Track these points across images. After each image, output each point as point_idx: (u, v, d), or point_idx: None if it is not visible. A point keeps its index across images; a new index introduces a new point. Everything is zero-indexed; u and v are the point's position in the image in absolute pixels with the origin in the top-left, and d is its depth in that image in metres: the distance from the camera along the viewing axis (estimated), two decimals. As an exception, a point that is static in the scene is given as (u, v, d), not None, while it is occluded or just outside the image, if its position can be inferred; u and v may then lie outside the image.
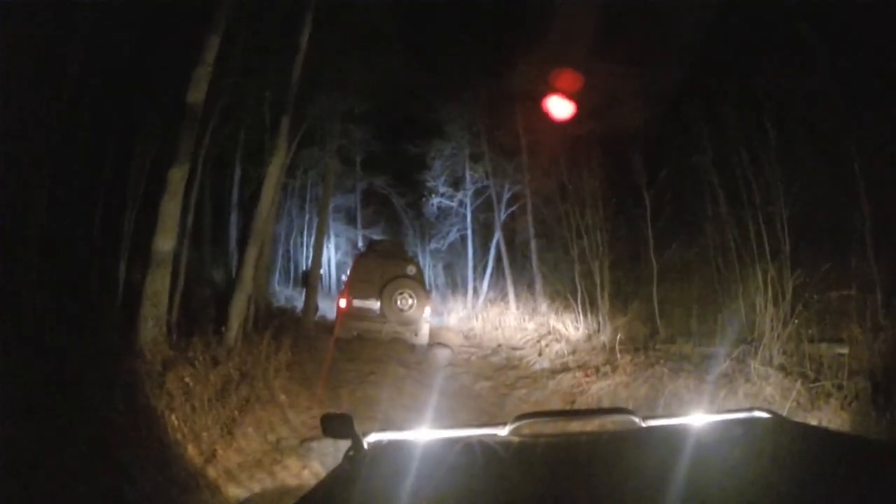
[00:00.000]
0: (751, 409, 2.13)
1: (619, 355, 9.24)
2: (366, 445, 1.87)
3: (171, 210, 7.19)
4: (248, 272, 9.39)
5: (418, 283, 12.17)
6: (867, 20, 8.17)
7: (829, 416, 5.90)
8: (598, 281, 11.47)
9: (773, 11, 9.19)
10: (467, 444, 1.77)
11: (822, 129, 9.02)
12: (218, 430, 6.14)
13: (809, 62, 8.81)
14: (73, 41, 7.39)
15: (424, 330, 12.06)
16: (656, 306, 10.31)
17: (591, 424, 2.46)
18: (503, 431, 1.93)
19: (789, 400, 6.16)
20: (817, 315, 7.66)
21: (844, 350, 6.93)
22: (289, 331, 11.12)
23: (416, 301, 11.81)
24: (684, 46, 9.71)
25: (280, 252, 25.02)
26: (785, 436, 1.94)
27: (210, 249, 14.76)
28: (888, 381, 6.08)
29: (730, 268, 9.68)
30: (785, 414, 5.89)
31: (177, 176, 7.22)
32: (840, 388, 6.23)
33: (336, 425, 1.97)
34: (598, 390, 8.63)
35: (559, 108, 9.46)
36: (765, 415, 2.08)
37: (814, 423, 5.91)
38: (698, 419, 2.11)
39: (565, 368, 10.36)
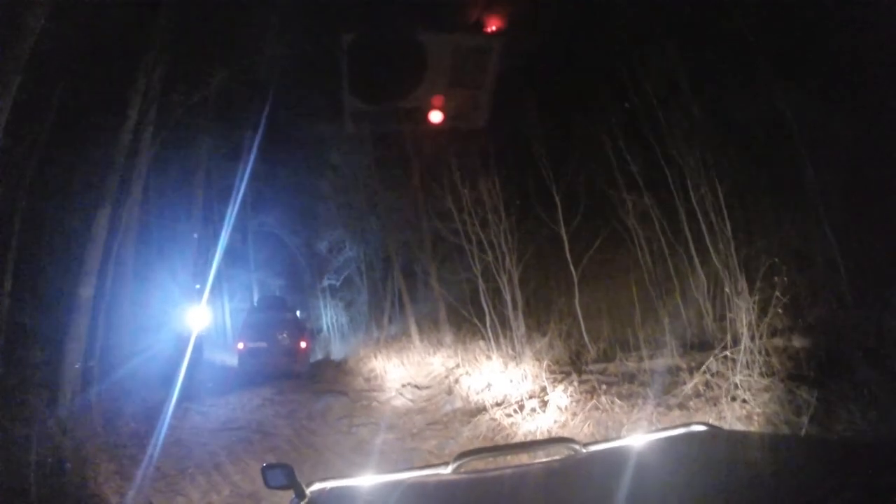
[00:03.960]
0: (688, 424, 2.05)
1: (548, 385, 7.02)
2: (308, 494, 1.77)
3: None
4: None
5: (294, 324, 14.83)
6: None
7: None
8: (508, 299, 9.26)
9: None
10: (410, 485, 1.74)
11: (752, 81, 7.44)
12: None
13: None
14: None
15: (302, 358, 14.27)
16: (581, 320, 8.20)
17: (534, 456, 2.22)
18: (446, 470, 1.85)
19: (804, 416, 4.13)
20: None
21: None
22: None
23: (291, 336, 14.14)
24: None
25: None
26: (721, 445, 1.91)
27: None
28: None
29: (662, 262, 7.81)
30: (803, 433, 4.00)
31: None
32: (857, 387, 4.29)
33: (277, 476, 1.82)
34: (527, 435, 6.37)
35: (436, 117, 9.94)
36: (702, 427, 2.03)
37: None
38: (638, 439, 2.02)
39: (481, 409, 8.06)
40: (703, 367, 5.23)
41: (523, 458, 2.32)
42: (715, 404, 4.86)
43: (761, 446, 1.89)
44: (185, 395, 10.04)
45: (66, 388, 7.23)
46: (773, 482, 1.42)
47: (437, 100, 10.28)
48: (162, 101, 8.97)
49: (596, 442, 2.03)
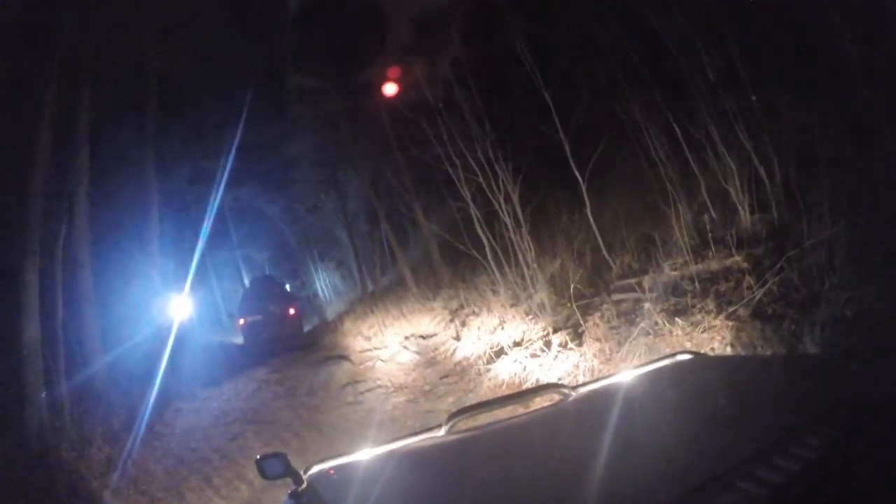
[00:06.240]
0: (674, 354, 2.03)
1: (578, 315, 5.87)
2: (307, 478, 1.68)
3: None
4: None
5: (283, 296, 16.86)
6: None
7: None
8: (508, 221, 8.03)
9: None
10: (404, 454, 1.74)
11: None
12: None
13: None
14: None
15: (294, 322, 15.90)
16: (596, 232, 6.99)
17: (527, 405, 2.25)
18: (440, 432, 1.84)
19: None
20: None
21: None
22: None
23: (282, 306, 15.88)
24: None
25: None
26: (706, 371, 1.91)
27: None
28: None
29: (678, 155, 6.60)
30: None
31: None
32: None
33: (272, 466, 1.74)
34: (562, 376, 5.28)
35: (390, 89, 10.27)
36: (687, 356, 2.00)
37: None
38: (626, 375, 2.03)
39: (498, 351, 6.99)
40: (779, 264, 4.09)
41: (518, 409, 2.27)
42: (801, 308, 3.76)
43: (749, 370, 1.85)
44: (175, 393, 8.95)
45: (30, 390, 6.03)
46: (761, 406, 1.41)
47: (393, 71, 10.46)
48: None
49: (585, 383, 2.00)
